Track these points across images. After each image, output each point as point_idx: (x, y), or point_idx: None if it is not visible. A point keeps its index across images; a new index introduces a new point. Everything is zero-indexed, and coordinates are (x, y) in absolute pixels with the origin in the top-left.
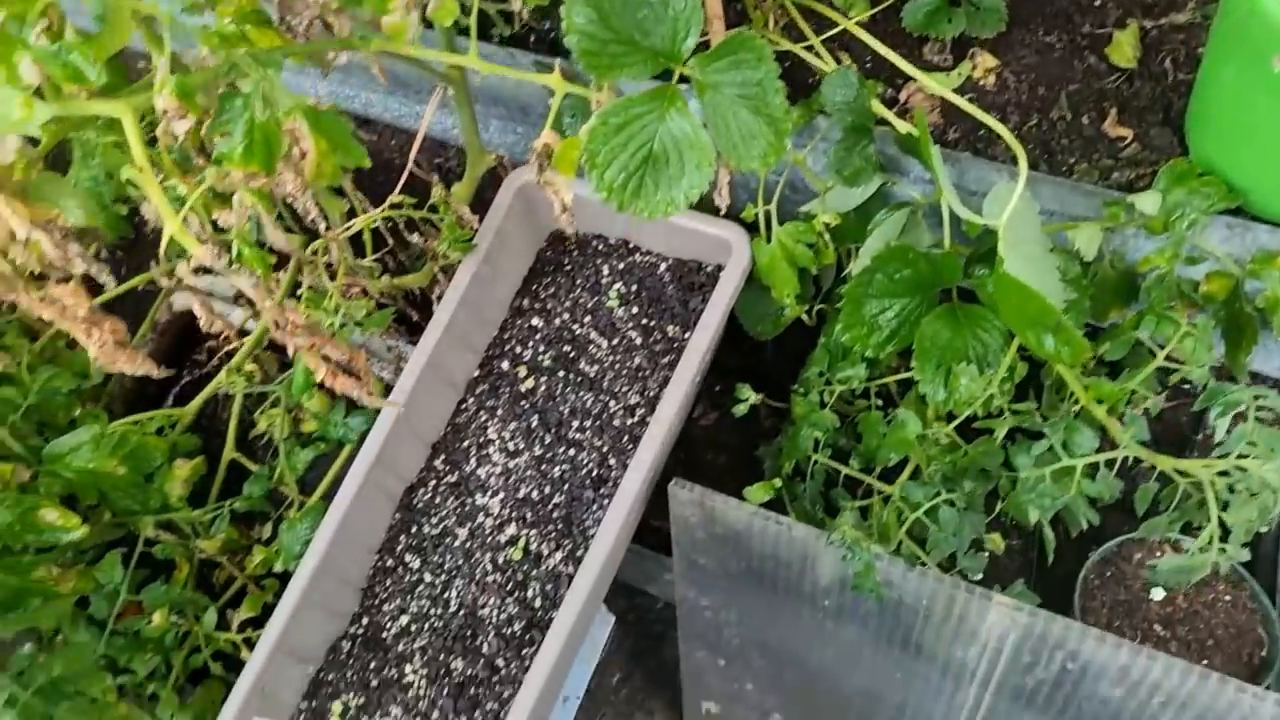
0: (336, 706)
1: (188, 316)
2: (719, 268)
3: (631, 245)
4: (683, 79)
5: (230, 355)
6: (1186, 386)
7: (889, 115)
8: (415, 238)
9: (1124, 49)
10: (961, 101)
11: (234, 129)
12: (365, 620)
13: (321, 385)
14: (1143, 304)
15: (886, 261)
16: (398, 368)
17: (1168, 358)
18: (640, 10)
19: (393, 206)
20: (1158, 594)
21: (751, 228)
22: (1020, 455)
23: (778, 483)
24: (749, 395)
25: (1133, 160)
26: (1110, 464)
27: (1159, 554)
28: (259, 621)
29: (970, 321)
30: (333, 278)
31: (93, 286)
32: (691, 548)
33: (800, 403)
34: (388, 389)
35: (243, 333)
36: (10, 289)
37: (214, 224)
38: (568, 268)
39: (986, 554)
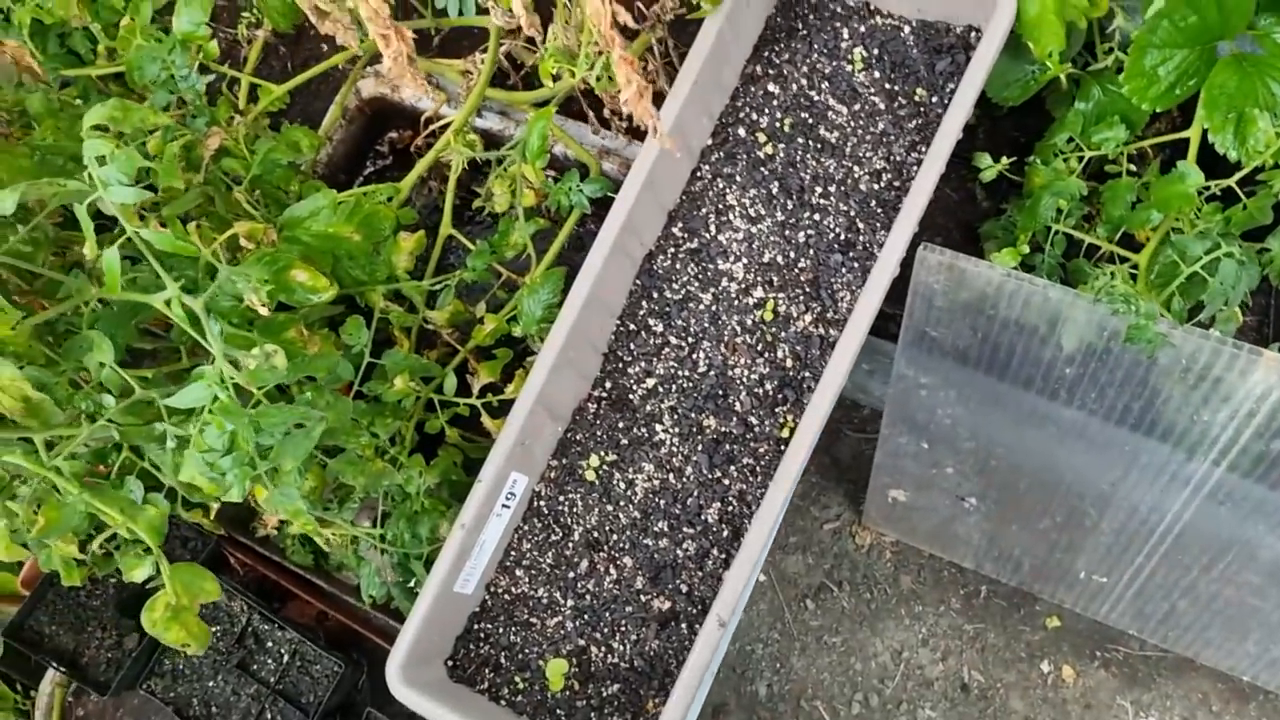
0: (593, 460)
1: (374, 104)
2: (969, 28)
3: (873, 7)
4: None
5: (410, 147)
6: None
7: None
8: None
9: None
10: None
11: None
12: (609, 384)
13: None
14: None
15: (1177, 6)
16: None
17: None
18: None
19: None
20: None
21: None
22: None
23: (1025, 247)
24: (989, 163)
25: None
26: None
27: None
28: (496, 389)
29: (1259, 71)
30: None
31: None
32: (926, 319)
33: (1041, 171)
34: (615, 185)
35: (428, 121)
36: None
37: None
38: (803, 33)
39: (1239, 319)
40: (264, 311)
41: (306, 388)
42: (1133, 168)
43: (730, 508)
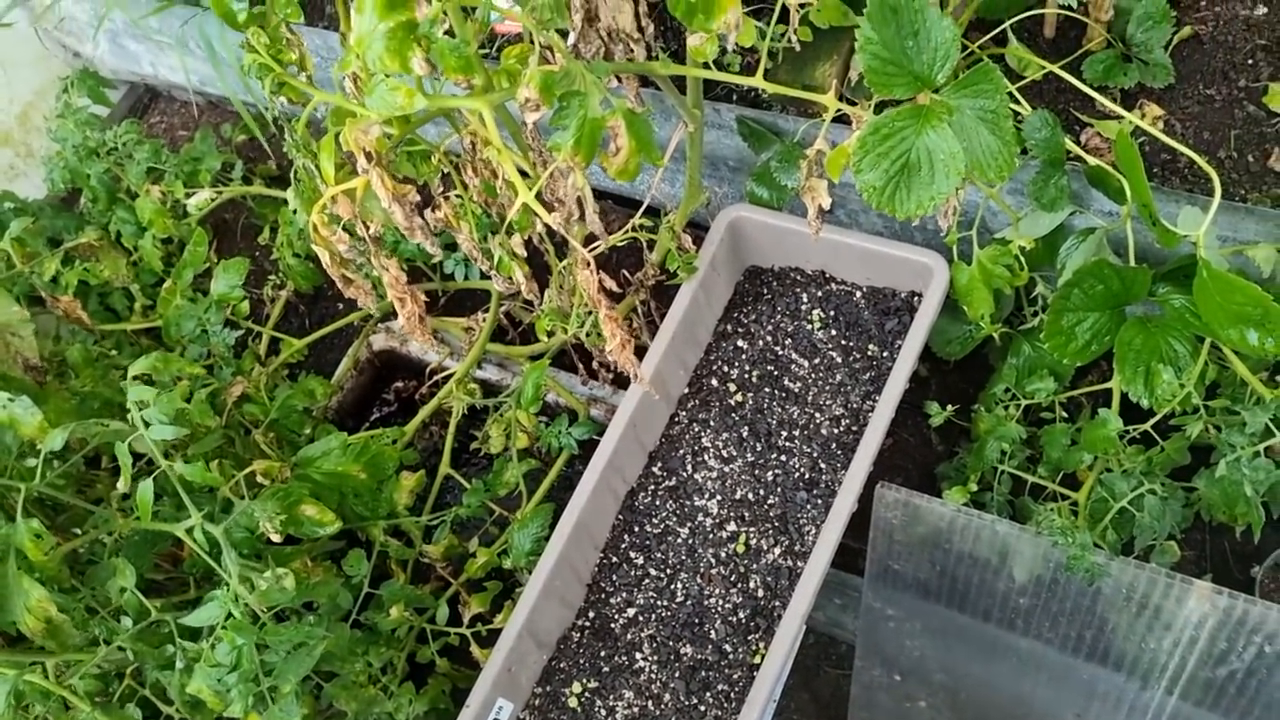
0: (575, 688)
1: (383, 356)
2: (912, 293)
3: (828, 275)
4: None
5: (414, 395)
6: None
7: (1080, 151)
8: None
9: (1278, 98)
10: (1156, 132)
11: (569, 123)
12: (592, 613)
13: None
14: None
15: (1084, 277)
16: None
17: None
18: (908, 40)
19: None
20: None
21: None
22: (1234, 434)
23: (973, 486)
24: (938, 411)
25: None
26: None
27: None
28: (485, 619)
29: (1161, 330)
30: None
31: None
32: (888, 553)
33: (985, 418)
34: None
35: (433, 372)
36: (364, 254)
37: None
38: (767, 296)
39: (1176, 553)
40: (276, 538)
41: (308, 615)
42: (1065, 415)
43: None
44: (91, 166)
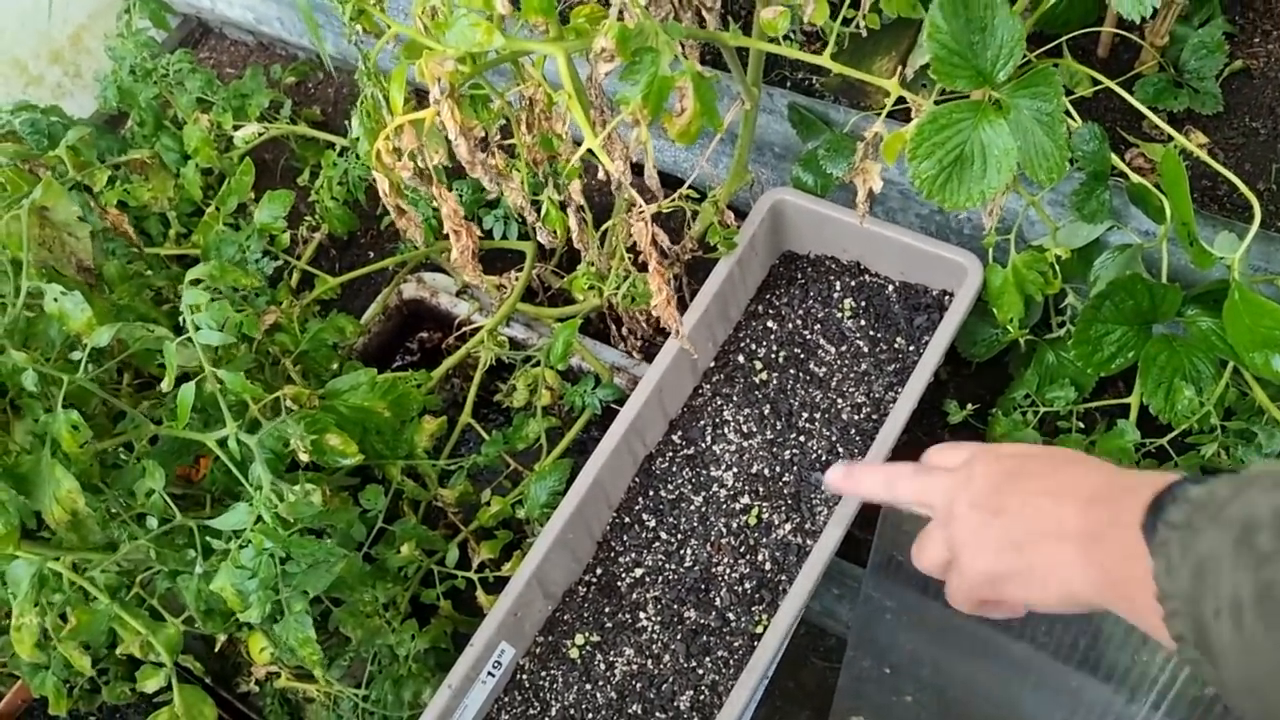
0: (578, 640)
1: (411, 305)
2: (944, 292)
3: (862, 267)
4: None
5: (438, 347)
6: None
7: (1125, 167)
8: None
9: None
10: (1203, 155)
11: (639, 78)
12: (600, 570)
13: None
14: None
15: (1117, 289)
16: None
17: None
18: (975, 35)
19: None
20: None
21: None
22: (1250, 453)
23: None
24: (956, 410)
25: None
26: None
27: None
28: (495, 565)
29: (1186, 350)
30: (628, 250)
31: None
32: (893, 544)
33: (1002, 422)
34: (623, 395)
35: (460, 324)
36: (426, 182)
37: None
38: (801, 281)
39: None
40: (304, 458)
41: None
42: (1082, 426)
43: (702, 696)
44: (143, 90)
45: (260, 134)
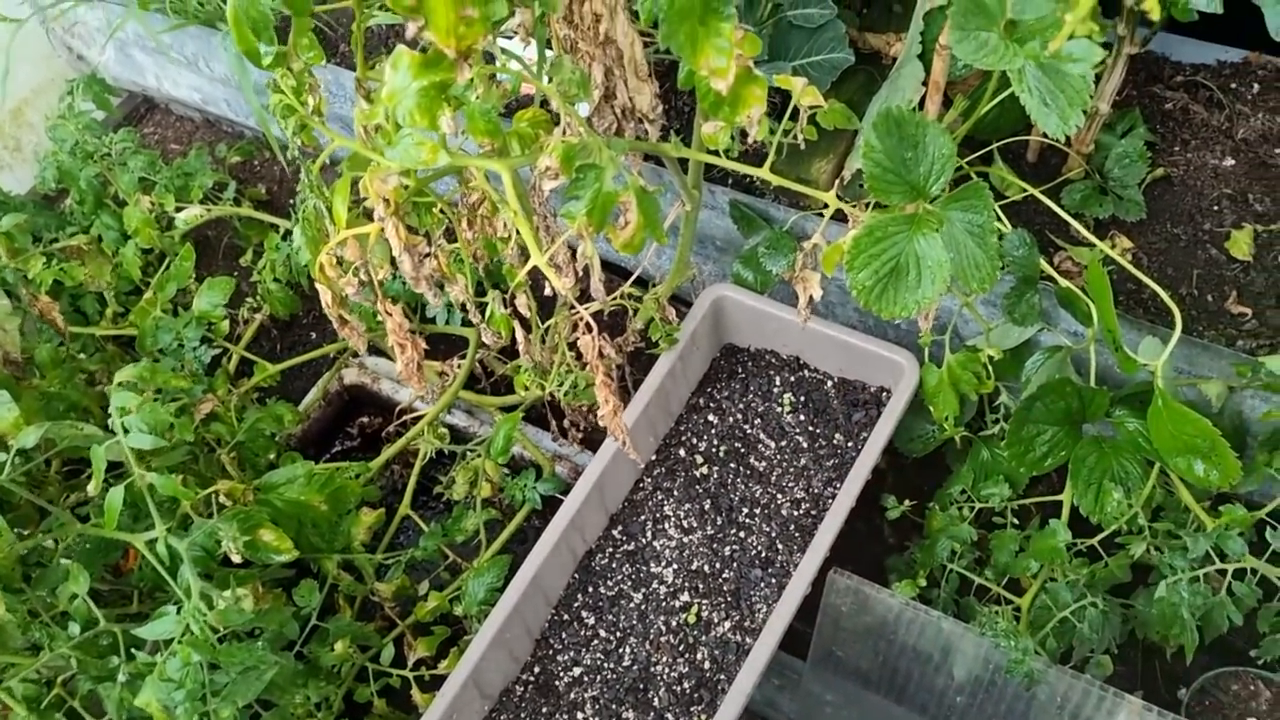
0: None
1: (352, 391)
2: (881, 389)
3: (802, 362)
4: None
5: (378, 432)
6: None
7: (1053, 272)
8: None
9: (1241, 245)
10: (1125, 263)
11: (584, 194)
12: (538, 669)
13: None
14: (1250, 454)
15: (1047, 391)
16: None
17: None
18: (908, 152)
19: (625, 295)
20: None
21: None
22: (1176, 558)
23: (922, 581)
24: (894, 505)
25: (1253, 333)
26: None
27: (1252, 688)
28: (431, 662)
29: (1114, 451)
30: (570, 347)
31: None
32: (833, 638)
33: (939, 516)
34: (565, 486)
35: (402, 411)
36: (368, 299)
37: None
38: (741, 375)
39: (1109, 667)
40: (237, 559)
41: (254, 641)
42: (1016, 521)
43: None
44: (84, 169)
45: (203, 216)
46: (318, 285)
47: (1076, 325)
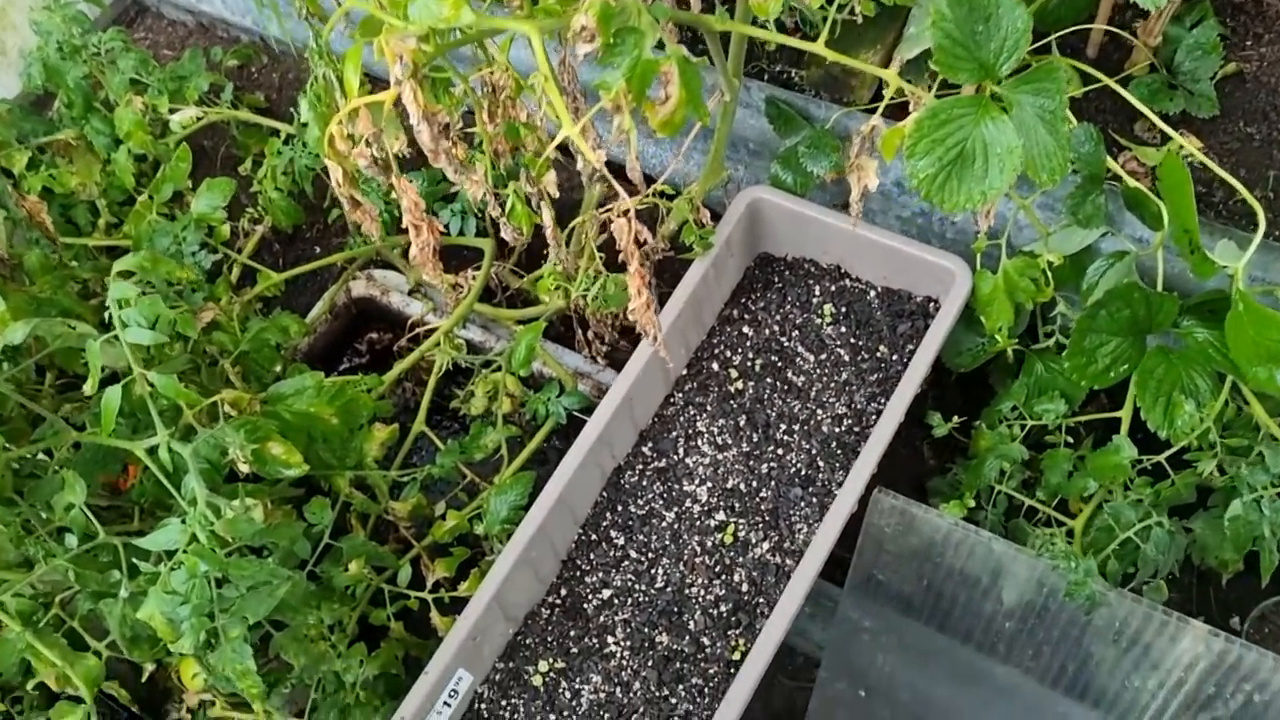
0: (541, 666)
1: (360, 304)
2: (928, 299)
3: (843, 271)
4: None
5: (388, 349)
6: None
7: (1120, 170)
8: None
9: None
10: (1202, 156)
11: (621, 62)
12: (565, 590)
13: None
14: None
15: (1114, 298)
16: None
17: None
18: (979, 25)
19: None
20: None
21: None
22: (1257, 473)
23: (971, 501)
24: (940, 422)
25: None
26: None
27: None
28: (450, 584)
29: (1183, 363)
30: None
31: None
32: (875, 561)
33: (987, 435)
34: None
35: (413, 325)
36: (384, 172)
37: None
38: (778, 285)
39: (1164, 592)
40: (244, 470)
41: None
42: (1070, 440)
43: None
44: (72, 68)
45: (199, 118)
46: (327, 162)
47: (1141, 230)
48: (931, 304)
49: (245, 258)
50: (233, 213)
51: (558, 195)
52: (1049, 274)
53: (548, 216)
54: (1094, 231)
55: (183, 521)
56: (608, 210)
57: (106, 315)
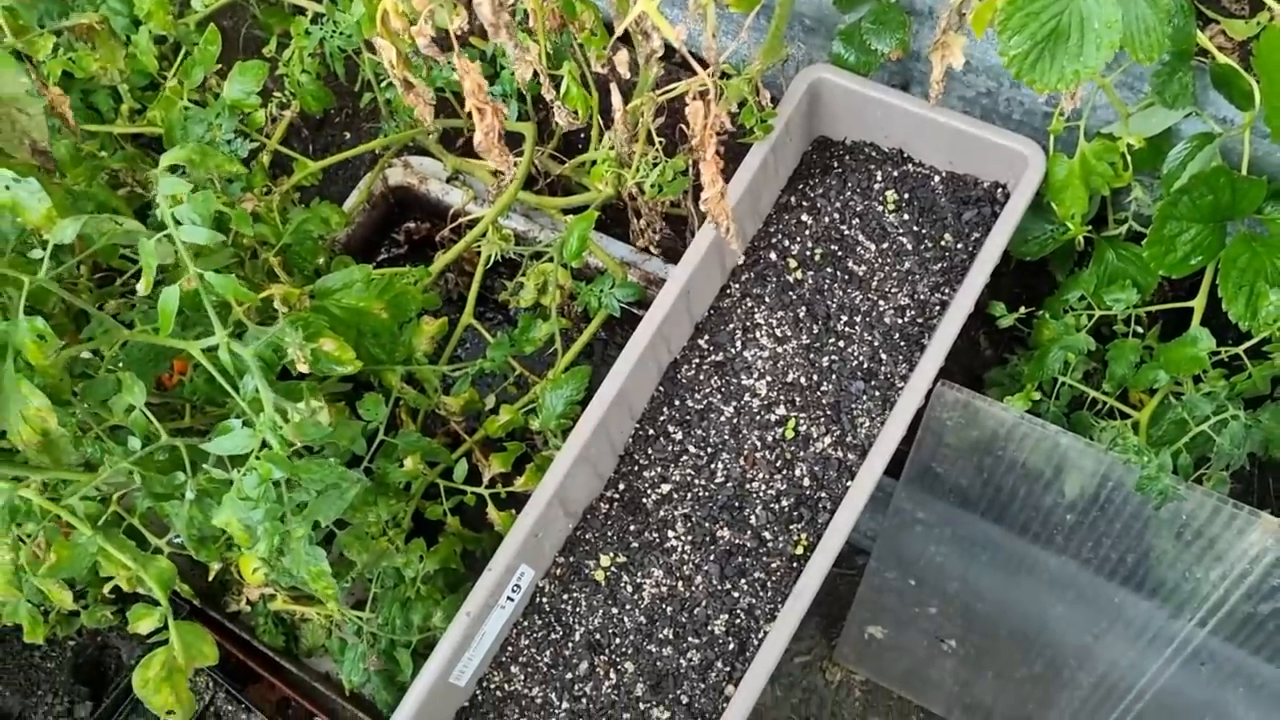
0: (603, 560)
1: (398, 193)
2: (995, 184)
3: (905, 155)
4: None
5: (427, 238)
6: None
7: (1211, 46)
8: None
9: None
10: None
11: None
12: (624, 485)
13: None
14: None
15: (1199, 183)
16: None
17: None
18: None
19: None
20: None
21: None
22: None
23: (1035, 394)
24: (1004, 313)
25: None
26: None
27: None
28: (505, 480)
29: (1267, 250)
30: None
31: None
32: (933, 454)
33: (1051, 325)
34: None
35: (455, 215)
36: (442, 50)
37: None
38: (838, 170)
39: (1228, 484)
40: (304, 369)
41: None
42: (1139, 331)
43: (738, 620)
44: None
45: None
46: (377, 42)
47: (1225, 110)
48: (999, 189)
49: (275, 144)
50: (262, 99)
51: (626, 75)
52: (1128, 158)
53: (617, 99)
54: (1177, 112)
55: (251, 427)
56: (665, 92)
57: (149, 209)
